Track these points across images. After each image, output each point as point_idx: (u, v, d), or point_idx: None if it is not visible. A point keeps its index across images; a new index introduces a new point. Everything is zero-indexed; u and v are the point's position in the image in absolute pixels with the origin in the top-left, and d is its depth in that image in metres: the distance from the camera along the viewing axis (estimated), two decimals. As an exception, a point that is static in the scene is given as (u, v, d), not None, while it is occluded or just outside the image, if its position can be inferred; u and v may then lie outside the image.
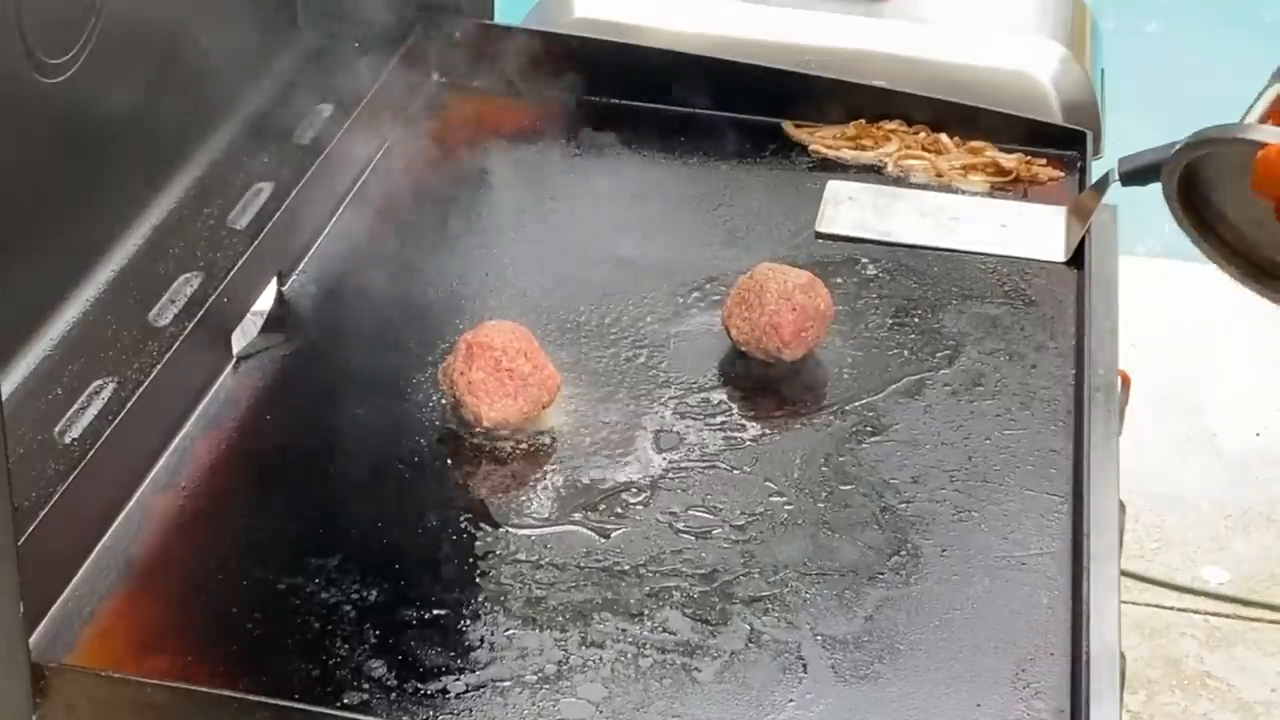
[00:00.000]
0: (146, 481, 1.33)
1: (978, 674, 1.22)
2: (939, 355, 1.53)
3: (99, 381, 1.31)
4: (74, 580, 1.24)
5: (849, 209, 1.73)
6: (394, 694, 1.17)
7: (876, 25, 1.98)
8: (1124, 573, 1.29)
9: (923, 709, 1.19)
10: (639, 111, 1.84)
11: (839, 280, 1.61)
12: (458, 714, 1.16)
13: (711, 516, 1.34)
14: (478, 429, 1.40)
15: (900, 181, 1.79)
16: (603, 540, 1.31)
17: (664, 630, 1.23)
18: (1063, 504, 1.36)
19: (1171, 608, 2.64)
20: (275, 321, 1.53)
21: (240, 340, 1.49)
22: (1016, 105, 1.87)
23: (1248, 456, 2.92)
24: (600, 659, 1.21)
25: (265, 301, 1.54)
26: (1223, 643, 2.58)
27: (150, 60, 1.46)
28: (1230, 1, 4.93)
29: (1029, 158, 1.80)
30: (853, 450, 1.41)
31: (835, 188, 1.76)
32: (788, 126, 1.85)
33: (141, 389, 1.32)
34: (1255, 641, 2.58)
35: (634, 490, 1.36)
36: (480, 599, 1.25)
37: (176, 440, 1.38)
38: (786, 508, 1.35)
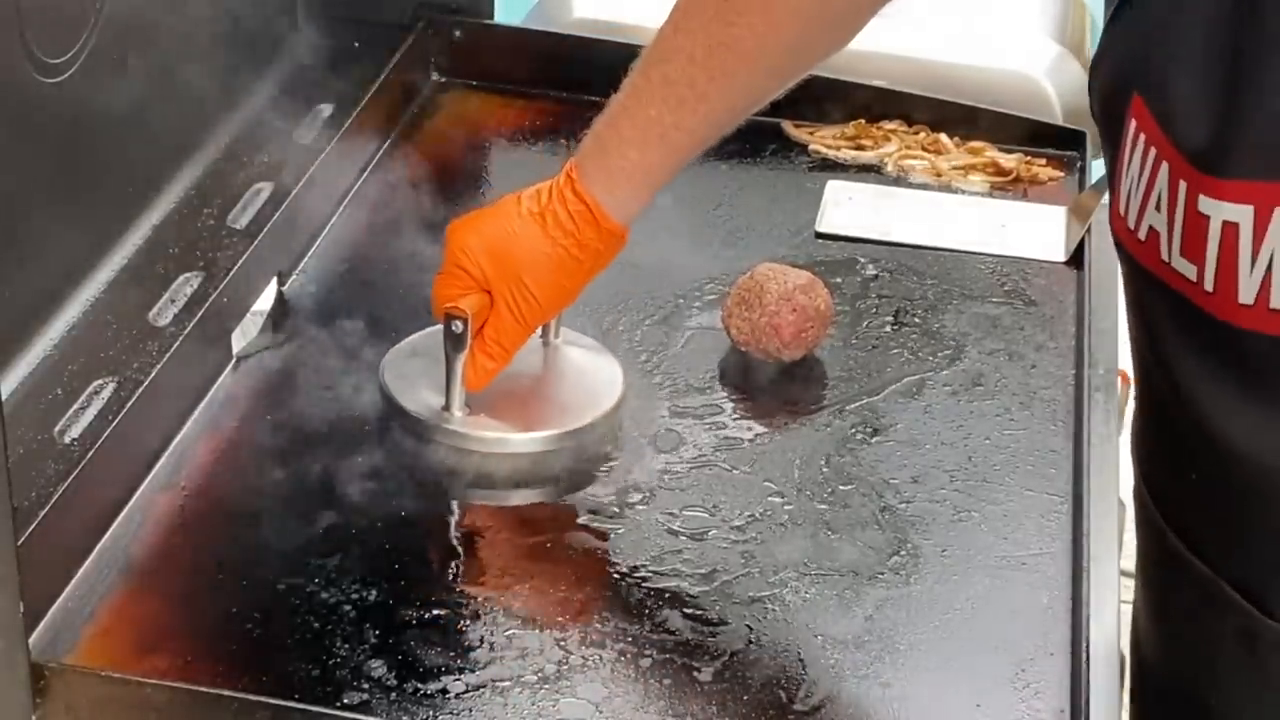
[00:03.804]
0: (146, 481, 1.33)
1: (978, 674, 1.22)
2: (939, 355, 1.53)
3: (99, 381, 1.31)
4: (74, 580, 1.24)
5: (849, 209, 1.73)
6: (394, 694, 1.17)
7: (876, 25, 1.98)
8: (1124, 573, 1.29)
9: (923, 709, 1.19)
10: (639, 111, 1.83)
11: (839, 280, 1.61)
12: (458, 714, 1.16)
13: (711, 517, 1.34)
14: (478, 429, 1.40)
15: (900, 181, 1.80)
16: (602, 541, 1.31)
17: (664, 630, 1.23)
18: (1063, 504, 1.36)
19: (1171, 608, 2.63)
20: (275, 321, 1.53)
21: (240, 340, 1.49)
22: (1016, 105, 1.87)
23: (1248, 456, 2.91)
24: (600, 659, 1.21)
25: (265, 301, 1.54)
26: (1223, 643, 2.57)
27: (150, 60, 1.46)
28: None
29: (1029, 158, 1.80)
30: (853, 450, 1.41)
31: (835, 188, 1.76)
32: (788, 126, 1.84)
33: (141, 389, 1.32)
34: (1255, 641, 2.57)
35: (633, 490, 1.36)
36: (480, 599, 1.25)
37: (176, 440, 1.38)
38: (786, 508, 1.35)
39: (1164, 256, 1.04)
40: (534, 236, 1.31)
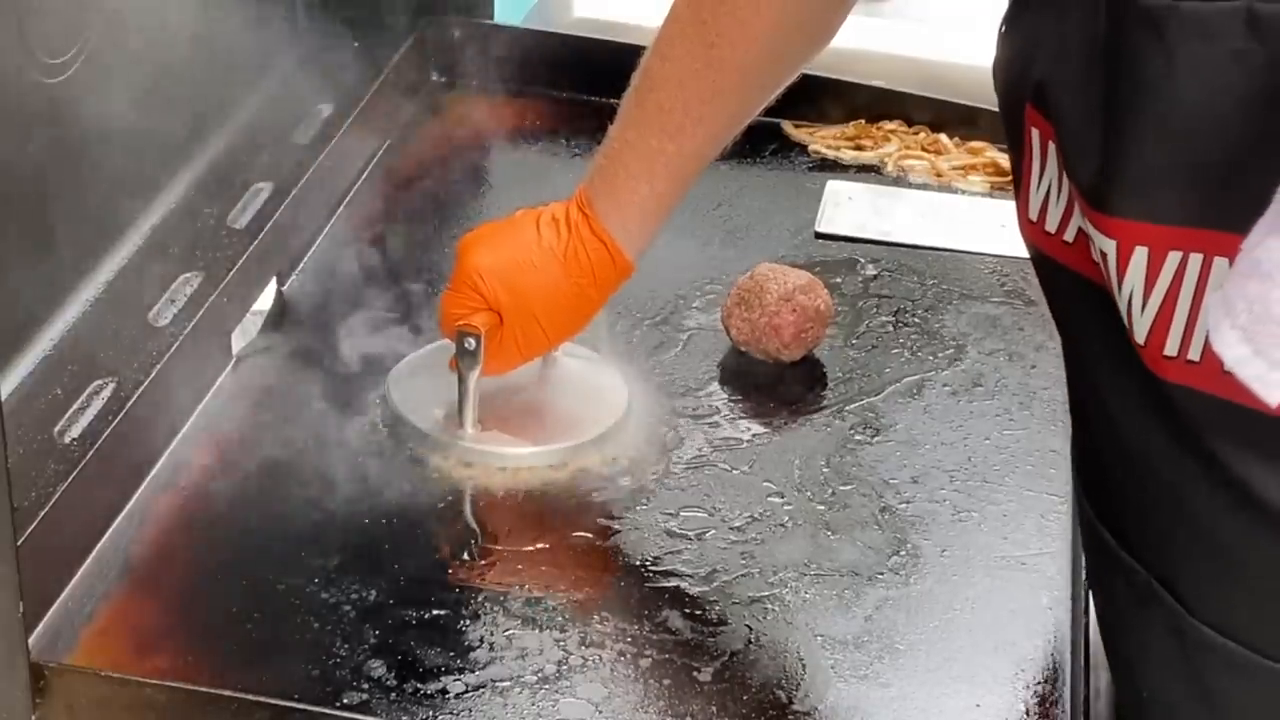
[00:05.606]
0: (146, 481, 1.33)
1: (978, 674, 1.22)
2: (939, 355, 1.53)
3: (99, 381, 1.31)
4: (74, 580, 1.24)
5: (849, 209, 1.73)
6: (394, 694, 1.17)
7: (876, 25, 1.98)
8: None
9: (923, 709, 1.19)
10: (639, 111, 1.83)
11: (839, 280, 1.62)
12: (458, 714, 1.16)
13: (710, 517, 1.34)
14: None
15: (900, 181, 1.80)
16: (602, 541, 1.32)
17: (664, 630, 1.23)
18: (1063, 504, 1.36)
19: (1171, 608, 2.63)
20: (275, 321, 1.53)
21: (240, 340, 1.49)
22: (1016, 105, 1.86)
23: (1247, 456, 2.91)
24: (600, 659, 1.21)
25: (265, 301, 1.54)
26: (1222, 643, 2.57)
27: (150, 60, 1.46)
28: None
29: (1029, 158, 1.80)
30: (853, 450, 1.41)
31: (835, 188, 1.77)
32: (788, 126, 1.85)
33: (141, 389, 1.32)
34: (1255, 641, 2.57)
35: (633, 491, 1.36)
36: (480, 599, 1.25)
37: (176, 440, 1.38)
38: (786, 508, 1.35)
39: (1095, 257, 1.03)
40: (554, 275, 1.32)
